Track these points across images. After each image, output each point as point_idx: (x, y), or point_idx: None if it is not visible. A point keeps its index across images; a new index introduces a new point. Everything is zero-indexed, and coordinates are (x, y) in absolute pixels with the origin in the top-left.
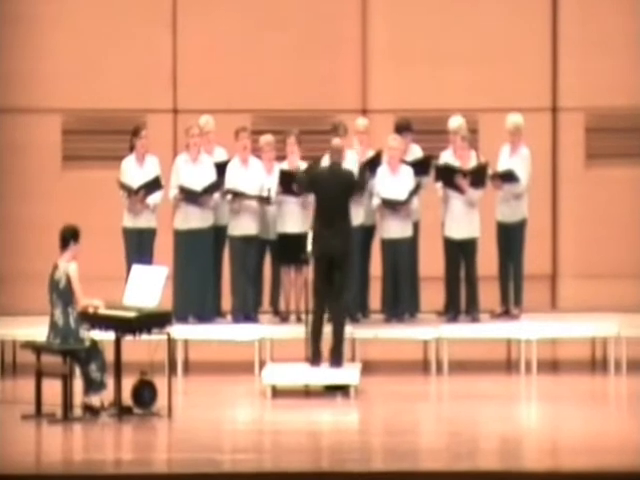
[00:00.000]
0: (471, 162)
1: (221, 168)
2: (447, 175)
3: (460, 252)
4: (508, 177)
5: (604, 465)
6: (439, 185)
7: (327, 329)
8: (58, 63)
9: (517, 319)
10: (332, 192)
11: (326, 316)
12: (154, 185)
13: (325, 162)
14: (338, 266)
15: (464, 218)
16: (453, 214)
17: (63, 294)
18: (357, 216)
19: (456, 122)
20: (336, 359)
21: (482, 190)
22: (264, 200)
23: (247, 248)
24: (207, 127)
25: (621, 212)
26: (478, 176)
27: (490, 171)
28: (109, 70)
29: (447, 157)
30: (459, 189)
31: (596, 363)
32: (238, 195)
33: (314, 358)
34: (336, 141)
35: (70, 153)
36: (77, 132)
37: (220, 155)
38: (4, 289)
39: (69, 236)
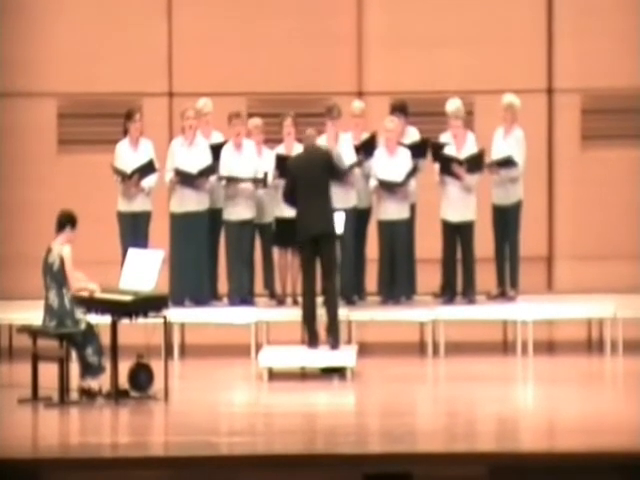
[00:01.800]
0: (468, 144)
1: (217, 150)
2: (444, 162)
3: (457, 235)
4: (506, 163)
5: (600, 446)
6: (436, 167)
7: (322, 311)
8: (53, 47)
9: (513, 301)
10: (310, 173)
11: (320, 298)
12: (148, 168)
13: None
14: (323, 247)
15: (461, 201)
16: (450, 197)
17: (57, 276)
18: (351, 199)
19: (453, 105)
20: (333, 340)
21: (478, 175)
22: (259, 182)
23: (242, 232)
24: (205, 109)
25: (617, 193)
26: (475, 163)
27: (487, 159)
28: (104, 54)
29: (445, 140)
30: (456, 176)
31: (592, 344)
32: (233, 180)
33: (311, 340)
34: (309, 131)
35: (66, 137)
36: (73, 116)
37: (217, 139)
38: (0, 273)
39: (65, 221)
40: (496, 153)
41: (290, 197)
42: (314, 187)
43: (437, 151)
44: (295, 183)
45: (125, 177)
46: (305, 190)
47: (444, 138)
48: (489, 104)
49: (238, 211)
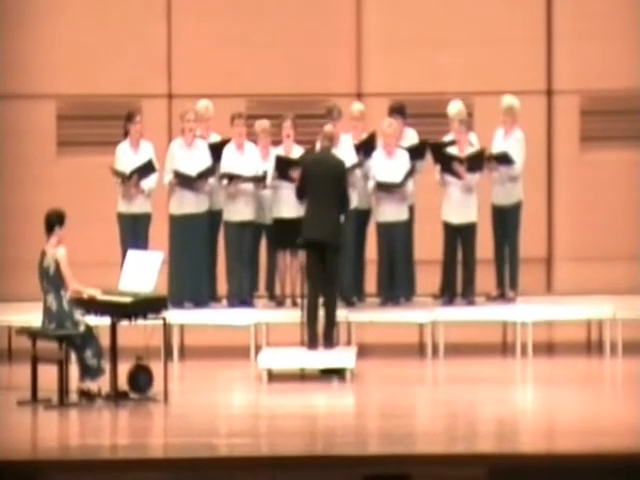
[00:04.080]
0: (470, 146)
1: (216, 150)
2: (444, 160)
3: (458, 237)
4: (503, 159)
5: (600, 447)
6: (437, 168)
7: (321, 312)
8: (52, 49)
9: (513, 302)
10: (322, 178)
11: (321, 300)
12: (147, 169)
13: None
14: (330, 252)
15: (462, 203)
16: (451, 199)
17: (54, 280)
18: (351, 200)
19: (455, 108)
20: (329, 340)
21: (479, 174)
22: (259, 180)
23: (242, 233)
24: (207, 114)
25: (616, 195)
26: (475, 162)
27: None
28: (104, 55)
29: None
30: (457, 175)
31: (591, 345)
32: (234, 178)
33: (311, 342)
34: (328, 127)
35: (65, 139)
36: (72, 118)
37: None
38: (0, 276)
39: (54, 221)
40: (495, 152)
41: (302, 196)
42: (324, 193)
43: (437, 150)
44: (306, 183)
45: (124, 178)
46: (314, 194)
47: (446, 140)
48: (488, 105)
49: (238, 211)
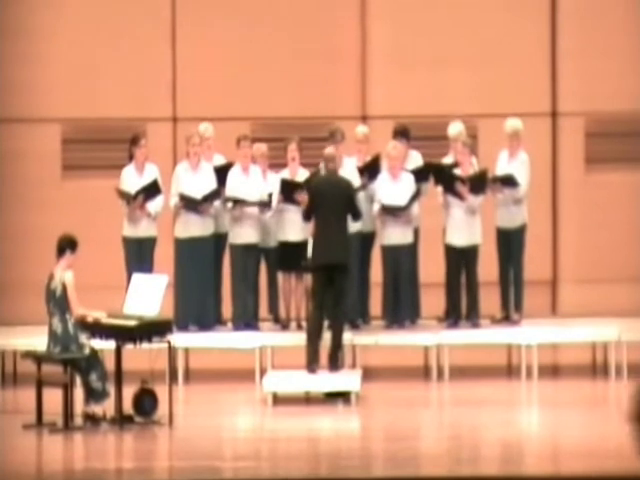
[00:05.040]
0: (472, 168)
1: (221, 172)
2: (447, 181)
3: (461, 259)
4: (508, 181)
5: (605, 470)
6: (439, 189)
7: (326, 335)
8: (57, 72)
9: (518, 324)
10: (330, 201)
11: (325, 322)
12: (152, 189)
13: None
14: (337, 276)
15: (465, 225)
16: (454, 221)
17: (60, 303)
18: (355, 223)
19: (455, 129)
20: (333, 363)
21: (482, 197)
22: (265, 205)
23: (247, 256)
24: (207, 134)
25: (621, 217)
26: (478, 182)
27: (490, 175)
28: (108, 79)
29: (448, 163)
30: (459, 196)
31: (597, 368)
32: (239, 202)
33: (310, 362)
34: (329, 150)
35: (70, 162)
36: (77, 141)
37: (219, 162)
38: (4, 299)
39: (66, 245)
40: (500, 174)
41: (309, 218)
42: (332, 214)
43: (439, 171)
44: (315, 205)
45: (130, 199)
46: (323, 216)
47: (446, 161)
48: (493, 127)
49: (243, 234)
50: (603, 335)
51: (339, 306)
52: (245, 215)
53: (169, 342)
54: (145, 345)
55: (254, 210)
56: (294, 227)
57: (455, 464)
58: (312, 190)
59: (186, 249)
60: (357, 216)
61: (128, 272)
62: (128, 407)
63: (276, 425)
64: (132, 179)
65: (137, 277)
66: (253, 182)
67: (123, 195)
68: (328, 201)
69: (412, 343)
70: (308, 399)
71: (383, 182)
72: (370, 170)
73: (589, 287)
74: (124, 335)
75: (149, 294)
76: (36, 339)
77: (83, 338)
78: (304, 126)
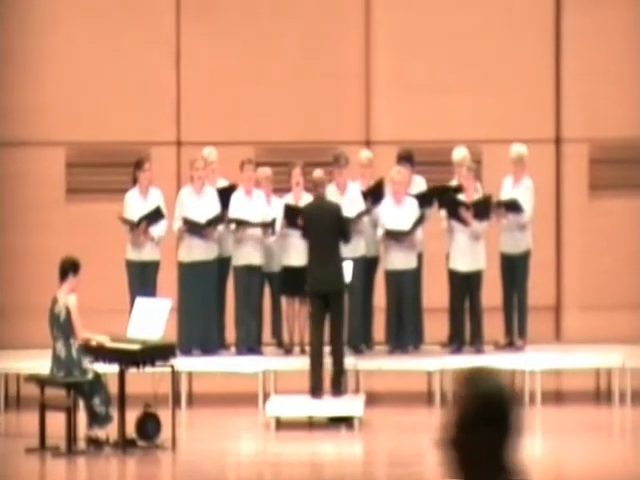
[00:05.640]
0: (476, 193)
1: (224, 194)
2: (451, 206)
3: (465, 284)
4: (512, 207)
5: None
6: (443, 214)
7: (328, 360)
8: (61, 96)
9: (521, 350)
10: (320, 227)
11: (326, 348)
12: (155, 215)
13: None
14: (333, 302)
15: (469, 250)
16: (458, 246)
17: (64, 327)
18: (359, 247)
19: (460, 154)
20: (336, 388)
21: (486, 222)
22: (268, 227)
23: (251, 279)
24: (210, 158)
25: (625, 243)
26: (482, 208)
27: (494, 200)
28: (112, 103)
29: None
30: (463, 221)
31: (600, 394)
32: (242, 223)
33: (314, 389)
34: (317, 173)
35: (74, 186)
36: (81, 165)
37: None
38: (7, 322)
39: (68, 268)
40: (505, 199)
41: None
42: (323, 239)
43: (443, 194)
44: (307, 233)
45: (133, 226)
46: (315, 241)
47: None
48: (497, 153)
49: (246, 255)
50: (607, 361)
51: (338, 331)
52: (248, 236)
53: (172, 366)
54: (148, 369)
55: (257, 232)
56: (297, 252)
57: None
58: (304, 218)
59: (190, 273)
60: (347, 239)
61: (131, 296)
62: (131, 431)
63: (279, 450)
64: (136, 203)
65: (140, 301)
66: (256, 205)
67: (126, 222)
68: (318, 227)
69: (415, 368)
70: (311, 424)
71: (387, 207)
72: (374, 195)
73: (593, 313)
74: (127, 359)
75: (152, 318)
76: (39, 362)
77: (86, 362)
78: (308, 151)
